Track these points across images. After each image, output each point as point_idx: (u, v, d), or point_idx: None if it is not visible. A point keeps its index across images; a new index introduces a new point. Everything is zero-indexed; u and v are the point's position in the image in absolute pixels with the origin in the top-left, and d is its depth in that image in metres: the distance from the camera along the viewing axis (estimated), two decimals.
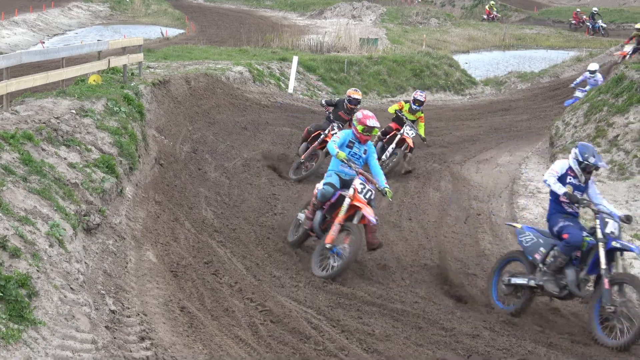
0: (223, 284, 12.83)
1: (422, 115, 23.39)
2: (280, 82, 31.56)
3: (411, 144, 22.50)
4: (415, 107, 22.99)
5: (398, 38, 52.99)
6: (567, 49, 52.09)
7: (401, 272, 15.08)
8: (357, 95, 21.69)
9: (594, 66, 31.59)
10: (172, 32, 53.52)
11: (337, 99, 24.47)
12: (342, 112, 21.43)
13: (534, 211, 19.17)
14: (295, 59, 32.55)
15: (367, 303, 13.12)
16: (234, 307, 11.95)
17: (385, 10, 68.54)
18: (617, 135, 21.61)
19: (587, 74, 31.41)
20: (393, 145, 22.58)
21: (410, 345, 11.71)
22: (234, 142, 22.24)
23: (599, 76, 30.69)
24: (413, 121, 23.00)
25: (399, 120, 23.05)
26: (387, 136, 22.90)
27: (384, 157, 22.03)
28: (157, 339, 10.19)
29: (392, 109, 23.49)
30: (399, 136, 22.63)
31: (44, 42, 44.74)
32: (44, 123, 14.18)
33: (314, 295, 13.23)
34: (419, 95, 23.33)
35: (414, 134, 22.66)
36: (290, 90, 31.33)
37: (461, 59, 44.92)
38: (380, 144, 22.78)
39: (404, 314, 12.89)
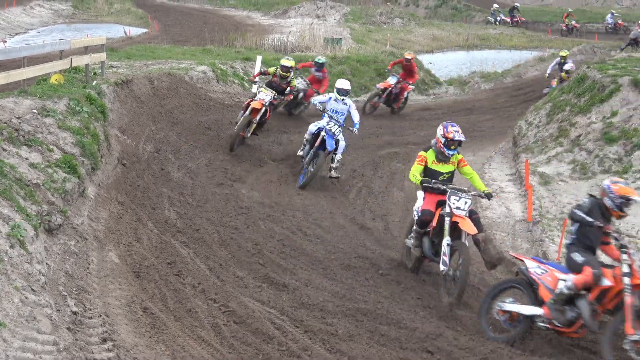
0: (186, 285, 12.80)
1: (461, 157, 15.65)
2: (244, 82, 31.46)
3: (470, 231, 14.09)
4: (450, 152, 15.26)
5: (362, 38, 52.95)
6: (530, 49, 52.29)
7: (364, 272, 15.09)
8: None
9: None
10: (135, 31, 53.15)
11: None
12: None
13: (497, 211, 19.27)
14: (259, 58, 32.43)
15: (331, 303, 13.12)
16: (197, 307, 11.93)
17: (350, 10, 68.52)
18: (580, 135, 21.76)
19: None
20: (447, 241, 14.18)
21: (373, 345, 11.75)
22: (197, 142, 22.14)
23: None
24: (451, 175, 15.45)
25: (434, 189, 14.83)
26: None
27: None
28: (120, 340, 10.15)
29: (414, 177, 14.80)
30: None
31: (5, 41, 44.25)
32: (5, 123, 14.07)
33: (277, 295, 13.23)
34: (454, 131, 15.36)
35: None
36: (254, 89, 31.25)
37: (425, 58, 44.93)
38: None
39: (367, 313, 12.90)
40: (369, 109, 30.18)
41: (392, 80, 30.37)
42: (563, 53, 33.61)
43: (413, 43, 52.20)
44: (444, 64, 45.32)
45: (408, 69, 31.06)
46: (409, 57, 31.03)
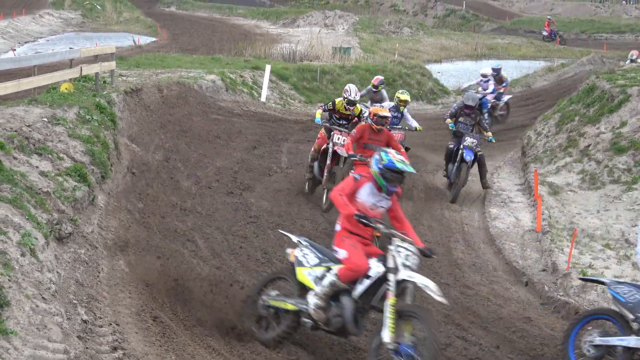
0: (196, 294, 12.79)
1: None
2: (253, 91, 31.55)
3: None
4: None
5: (371, 47, 53.08)
6: (539, 59, 52.39)
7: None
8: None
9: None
10: (144, 40, 53.42)
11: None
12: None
13: (506, 220, 19.27)
14: (267, 67, 32.53)
15: None
16: (206, 317, 11.91)
17: (358, 20, 68.67)
18: (589, 145, 21.75)
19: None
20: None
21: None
22: (207, 151, 22.16)
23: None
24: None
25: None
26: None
27: None
28: (130, 349, 10.14)
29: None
30: None
31: (14, 50, 44.46)
32: (15, 131, 14.10)
33: None
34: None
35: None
36: (263, 99, 31.30)
37: (434, 68, 45.12)
38: None
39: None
40: None
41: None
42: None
43: (422, 52, 52.36)
44: (452, 73, 45.43)
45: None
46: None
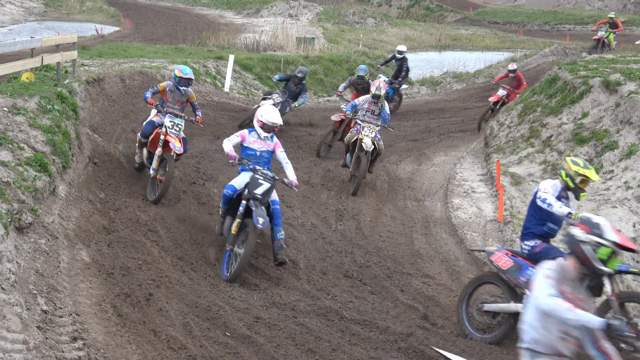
0: (157, 284, 12.76)
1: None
2: (217, 81, 31.45)
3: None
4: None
5: (335, 37, 53.04)
6: (502, 50, 52.52)
7: (335, 271, 15.12)
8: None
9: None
10: (107, 29, 52.99)
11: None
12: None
13: (469, 211, 19.34)
14: (231, 57, 32.47)
15: (302, 302, 13.15)
16: (168, 307, 11.90)
17: (322, 10, 68.60)
18: (551, 136, 21.86)
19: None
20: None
21: (344, 344, 11.76)
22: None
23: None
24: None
25: None
26: None
27: None
28: (90, 339, 10.12)
29: None
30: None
31: None
32: None
33: (249, 295, 13.25)
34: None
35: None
36: (226, 89, 31.24)
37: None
38: None
39: (338, 313, 12.92)
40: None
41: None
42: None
43: (386, 43, 52.32)
44: (416, 64, 45.36)
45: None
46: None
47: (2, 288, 9.88)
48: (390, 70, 35.65)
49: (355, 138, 20.98)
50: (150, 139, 17.83)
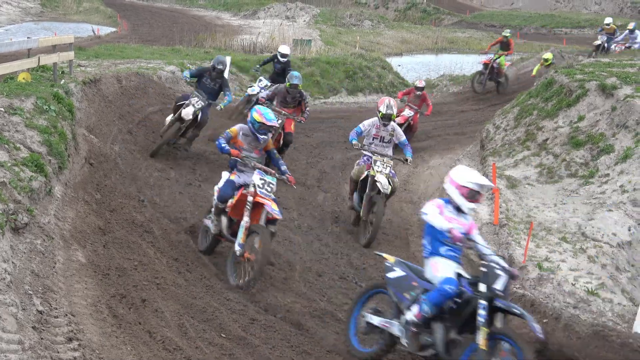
0: (153, 285, 12.76)
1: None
2: None
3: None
4: None
5: (331, 39, 53.10)
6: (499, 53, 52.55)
7: (331, 273, 15.15)
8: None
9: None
10: (104, 30, 53.01)
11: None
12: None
13: None
14: (228, 59, 32.46)
15: (298, 304, 13.19)
16: (163, 308, 11.90)
17: (319, 12, 68.66)
18: (547, 139, 21.88)
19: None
20: None
21: (339, 346, 11.80)
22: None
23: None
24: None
25: None
26: None
27: None
28: (86, 340, 10.11)
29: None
30: None
31: None
32: None
33: (244, 296, 13.23)
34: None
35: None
36: None
37: (394, 61, 45.11)
38: None
39: (334, 315, 12.95)
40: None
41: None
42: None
43: (382, 45, 52.43)
44: (412, 66, 45.50)
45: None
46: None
47: None
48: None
49: (365, 174, 17.47)
50: (231, 204, 14.49)
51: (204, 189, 19.05)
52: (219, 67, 21.33)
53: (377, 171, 17.30)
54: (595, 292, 13.99)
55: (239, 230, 13.83)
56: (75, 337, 10.02)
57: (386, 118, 17.74)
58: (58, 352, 9.53)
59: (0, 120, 14.69)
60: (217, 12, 74.54)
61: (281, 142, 21.27)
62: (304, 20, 65.10)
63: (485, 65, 37.09)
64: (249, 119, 14.81)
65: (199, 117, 20.48)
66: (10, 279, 10.45)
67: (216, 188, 14.77)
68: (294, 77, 22.25)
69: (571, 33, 65.92)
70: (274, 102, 21.61)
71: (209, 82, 21.43)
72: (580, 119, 21.49)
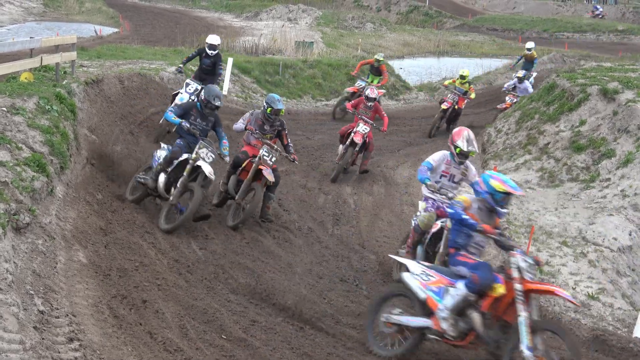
0: (153, 286, 12.77)
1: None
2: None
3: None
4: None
5: (333, 42, 53.02)
6: (501, 57, 52.52)
7: (331, 275, 15.17)
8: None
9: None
10: (106, 30, 52.88)
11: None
12: None
13: None
14: (230, 60, 32.41)
15: (298, 306, 13.19)
16: (164, 308, 11.90)
17: (321, 14, 68.56)
18: (548, 143, 21.91)
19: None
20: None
21: (339, 348, 11.81)
22: (166, 144, 22.06)
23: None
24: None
25: None
26: None
27: None
28: (87, 340, 10.12)
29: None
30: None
31: None
32: None
33: (245, 298, 13.25)
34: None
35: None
36: (224, 91, 31.19)
37: (396, 64, 45.06)
38: None
39: (334, 317, 12.95)
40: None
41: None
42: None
43: (384, 48, 52.26)
44: (414, 69, 45.44)
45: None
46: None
47: None
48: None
49: (439, 226, 14.22)
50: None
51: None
52: (215, 102, 16.80)
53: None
54: (595, 296, 14.03)
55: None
56: (76, 338, 10.03)
57: (463, 156, 14.41)
58: (59, 352, 9.54)
59: (2, 120, 14.70)
60: (219, 13, 74.42)
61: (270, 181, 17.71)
62: (306, 23, 65.03)
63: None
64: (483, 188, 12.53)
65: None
66: (12, 278, 10.46)
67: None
68: (276, 101, 17.82)
69: (573, 37, 65.86)
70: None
71: (199, 122, 17.03)
72: (582, 123, 21.52)
